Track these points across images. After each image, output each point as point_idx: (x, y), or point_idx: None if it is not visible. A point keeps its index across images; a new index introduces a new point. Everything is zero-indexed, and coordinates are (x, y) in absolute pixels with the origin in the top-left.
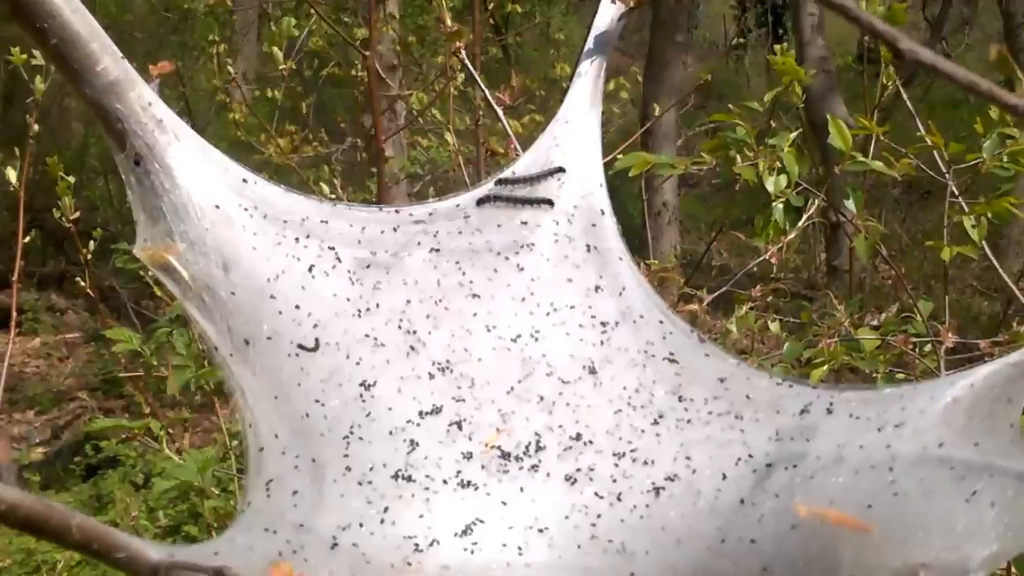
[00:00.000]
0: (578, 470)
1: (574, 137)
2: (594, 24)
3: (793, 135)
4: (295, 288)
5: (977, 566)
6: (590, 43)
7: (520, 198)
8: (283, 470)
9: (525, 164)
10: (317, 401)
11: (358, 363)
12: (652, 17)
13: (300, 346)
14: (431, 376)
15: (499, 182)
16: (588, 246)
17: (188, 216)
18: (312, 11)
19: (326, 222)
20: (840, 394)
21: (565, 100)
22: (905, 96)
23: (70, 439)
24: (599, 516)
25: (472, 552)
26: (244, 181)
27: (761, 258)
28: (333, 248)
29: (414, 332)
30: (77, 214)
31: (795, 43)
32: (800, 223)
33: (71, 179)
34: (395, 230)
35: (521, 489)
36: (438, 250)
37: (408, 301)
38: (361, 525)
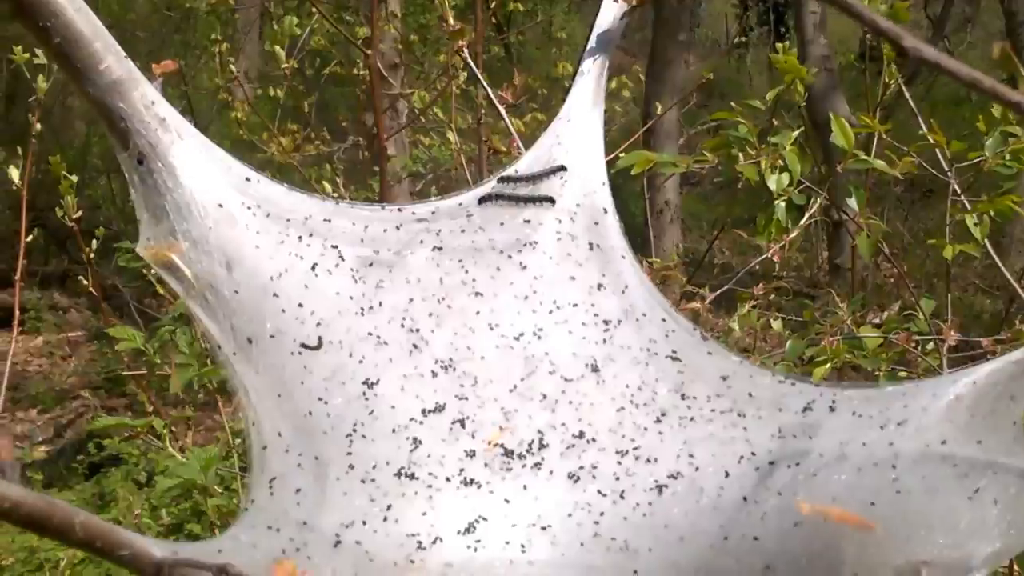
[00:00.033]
0: (581, 468)
1: (576, 135)
2: (596, 23)
3: (795, 133)
4: (298, 286)
5: (980, 563)
6: (592, 41)
7: (522, 196)
8: (286, 468)
9: (528, 162)
10: (320, 399)
11: (361, 361)
12: (654, 16)
13: (303, 345)
14: (434, 374)
15: (501, 180)
16: (591, 244)
17: (191, 215)
18: (314, 10)
19: (329, 220)
20: (843, 392)
21: (567, 98)
22: (907, 94)
23: (73, 437)
24: (602, 514)
25: (475, 550)
26: (247, 180)
27: (763, 256)
28: (336, 246)
29: (417, 330)
30: (80, 213)
31: (797, 41)
32: (802, 221)
33: (74, 178)
34: (398, 228)
35: (524, 487)
36: (441, 248)
37: (411, 299)
38: (364, 523)
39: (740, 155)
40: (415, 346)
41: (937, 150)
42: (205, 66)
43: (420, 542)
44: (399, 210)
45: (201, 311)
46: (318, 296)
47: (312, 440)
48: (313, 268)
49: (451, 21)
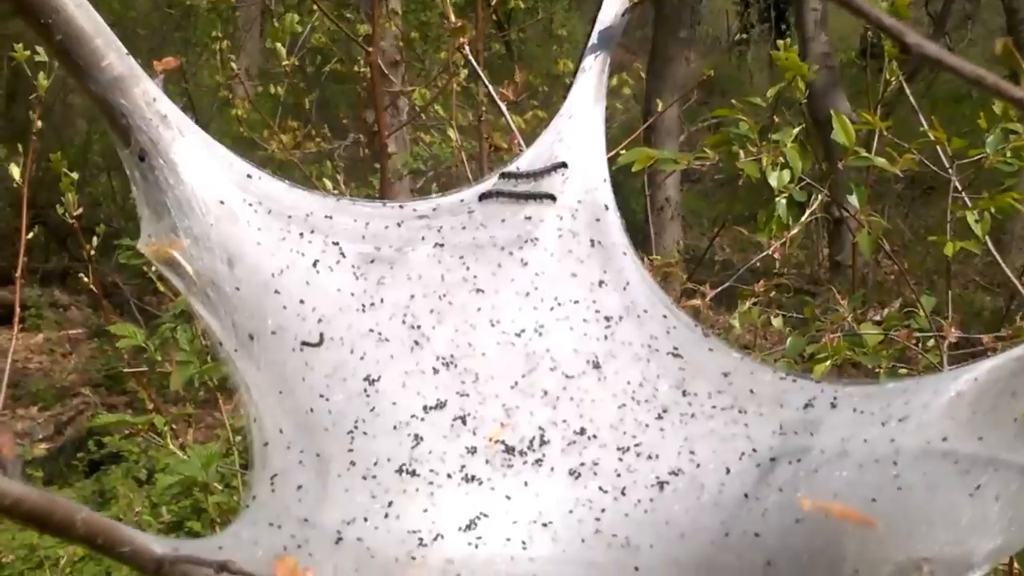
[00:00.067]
0: (582, 464)
1: (578, 132)
2: (598, 19)
3: (796, 131)
4: (299, 283)
5: (981, 560)
6: (594, 38)
7: (523, 193)
8: (288, 465)
9: (529, 159)
10: (322, 396)
11: (362, 358)
12: (655, 13)
13: (304, 343)
14: (435, 371)
15: (503, 176)
16: (592, 241)
17: (192, 211)
18: (315, 7)
19: (330, 217)
20: (844, 388)
21: (569, 95)
22: (908, 91)
23: (73, 435)
24: (603, 510)
25: (476, 546)
26: (248, 176)
27: (764, 253)
28: (337, 243)
29: (418, 327)
30: (80, 210)
31: (798, 39)
32: (803, 218)
33: (74, 175)
34: (399, 225)
35: (525, 483)
36: (442, 245)
37: (412, 296)
38: (365, 519)
39: (741, 152)
40: (416, 343)
41: (938, 147)
42: (206, 63)
43: (421, 539)
44: (400, 207)
45: (202, 308)
46: (319, 293)
47: (313, 436)
48: (314, 265)
49: (452, 18)
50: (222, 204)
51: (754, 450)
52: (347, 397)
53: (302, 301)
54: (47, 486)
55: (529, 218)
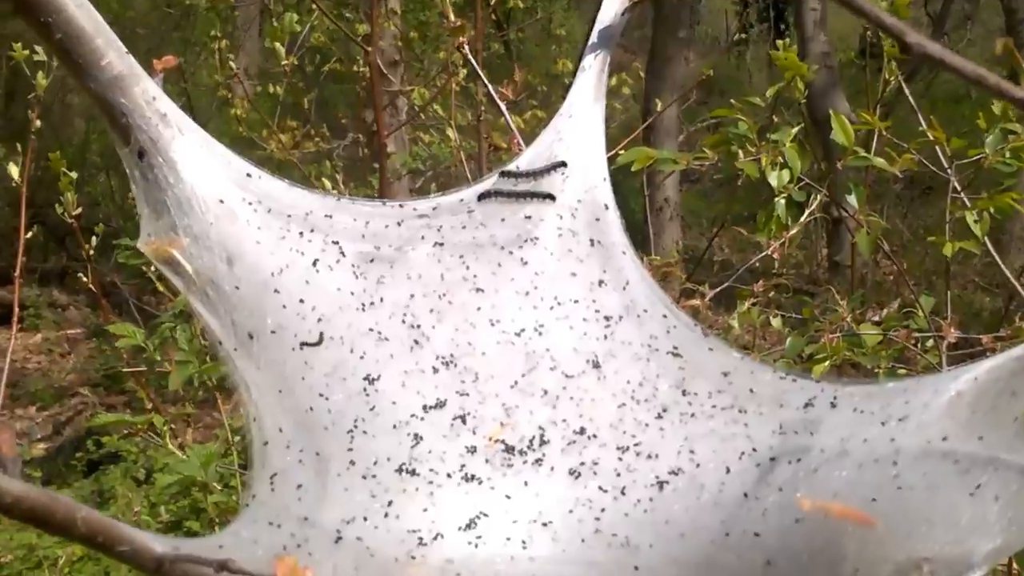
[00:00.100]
0: (582, 464)
1: (578, 131)
2: (598, 19)
3: (795, 130)
4: (299, 282)
5: (981, 560)
6: (594, 37)
7: (521, 193)
8: (287, 464)
9: (529, 158)
10: (321, 395)
11: (362, 357)
12: (654, 13)
13: (304, 343)
14: (435, 370)
15: (503, 175)
16: (592, 240)
17: (192, 210)
18: (314, 7)
19: (330, 216)
20: (844, 388)
21: (569, 94)
22: (907, 92)
23: (71, 435)
24: (603, 510)
25: (476, 546)
26: (248, 175)
27: (763, 254)
28: (337, 242)
29: (418, 326)
30: (79, 210)
31: (797, 39)
32: (802, 219)
33: (73, 175)
34: (399, 224)
35: (525, 483)
36: (442, 244)
37: (412, 295)
38: (365, 519)
39: (740, 152)
40: (416, 342)
41: (937, 147)
42: (205, 63)
43: (421, 538)
44: (400, 206)
45: (202, 307)
46: (319, 292)
47: (313, 436)
48: (314, 264)
49: (452, 17)
50: (221, 203)
51: (754, 449)
52: (347, 396)
53: (302, 300)
54: (46, 486)
55: (529, 217)
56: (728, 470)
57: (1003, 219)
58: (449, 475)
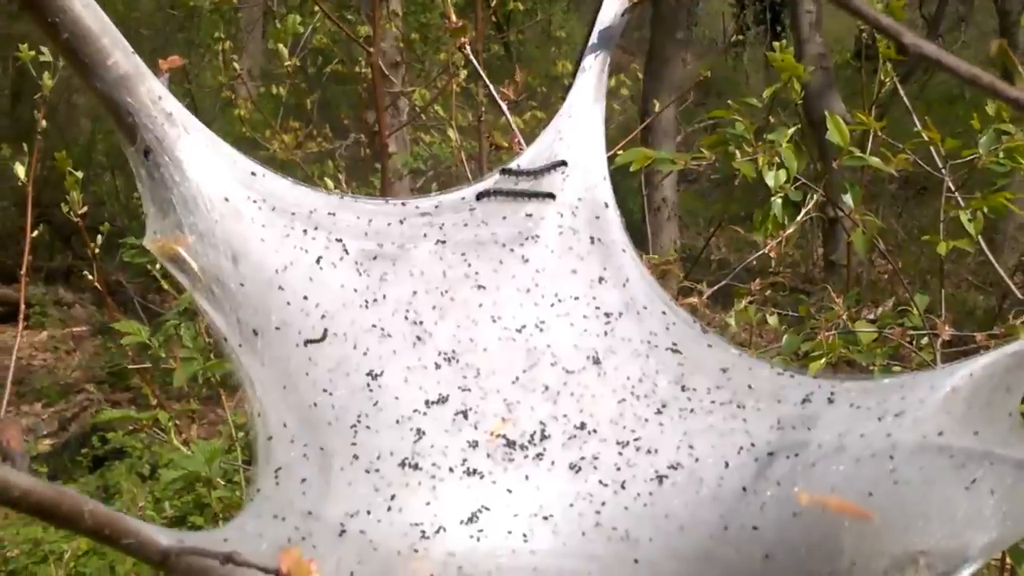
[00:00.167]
0: (582, 459)
1: (578, 131)
2: (598, 19)
3: (791, 131)
4: (303, 279)
5: (976, 553)
6: (594, 38)
7: (520, 192)
8: (292, 458)
9: (530, 157)
10: (325, 391)
11: (365, 353)
12: (652, 15)
13: (308, 340)
14: (437, 366)
15: (503, 172)
16: (592, 238)
17: (198, 208)
18: (316, 8)
19: (333, 214)
20: (841, 384)
21: (569, 94)
22: (902, 92)
23: (77, 431)
24: (603, 504)
25: (478, 539)
26: (252, 174)
27: (760, 252)
28: (340, 240)
29: (420, 323)
30: (85, 209)
31: (793, 40)
32: (798, 218)
33: (79, 174)
34: (401, 222)
35: (526, 477)
36: (444, 242)
37: (414, 292)
38: (368, 512)
39: (737, 152)
40: (419, 338)
41: (931, 147)
42: (208, 64)
43: (424, 531)
44: (403, 204)
45: (207, 304)
46: (323, 289)
47: (317, 431)
48: (318, 261)
49: (453, 18)
50: (227, 201)
51: (752, 444)
52: (350, 392)
53: (306, 297)
54: (52, 481)
55: (530, 215)
56: (727, 465)
57: (996, 218)
58: (451, 469)
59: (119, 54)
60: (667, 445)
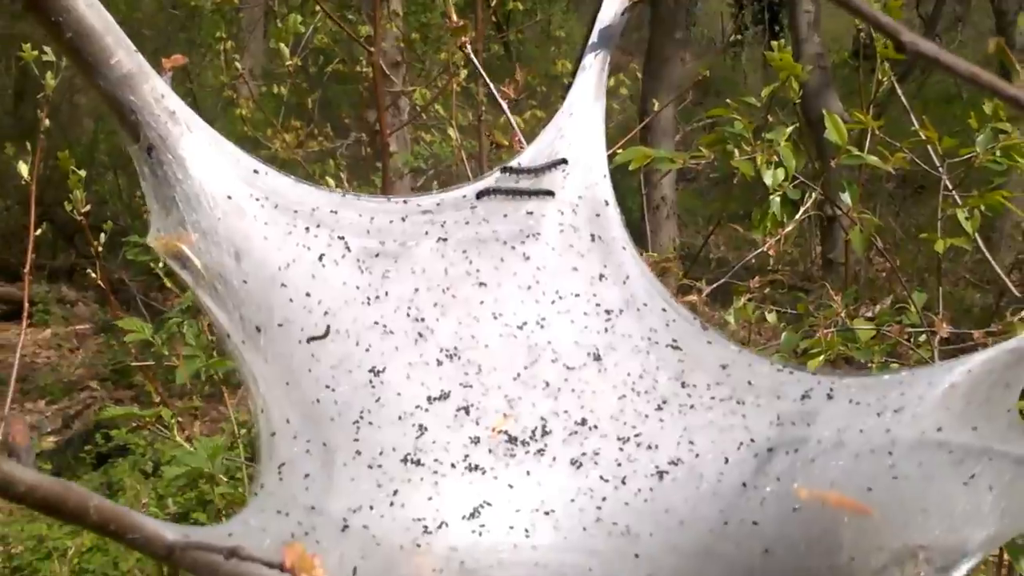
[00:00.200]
0: (583, 454)
1: (578, 129)
2: (598, 18)
3: (790, 130)
4: (305, 276)
5: (975, 548)
6: (594, 37)
7: (520, 190)
8: (295, 454)
9: (531, 155)
10: (327, 387)
11: (367, 350)
12: (651, 15)
13: (311, 337)
14: (439, 362)
15: (504, 171)
16: (592, 235)
17: (200, 206)
18: (318, 8)
19: (336, 212)
20: (840, 380)
21: (569, 93)
22: (900, 92)
23: (80, 428)
24: (604, 499)
25: (480, 534)
26: (255, 172)
27: (758, 251)
28: (343, 237)
29: (422, 319)
30: (88, 208)
31: (791, 40)
32: (797, 216)
33: (82, 173)
34: (403, 220)
35: (527, 473)
36: (445, 239)
37: (416, 289)
38: (371, 508)
39: (736, 151)
40: (420, 335)
41: (929, 146)
42: (210, 64)
43: (426, 527)
44: (404, 202)
45: (210, 301)
46: (325, 286)
47: (320, 427)
48: (320, 258)
49: (454, 17)
50: (229, 199)
51: (752, 440)
52: (353, 388)
53: (308, 294)
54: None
55: (531, 213)
56: (727, 460)
57: (993, 217)
58: (453, 465)
59: (122, 53)
60: (667, 441)
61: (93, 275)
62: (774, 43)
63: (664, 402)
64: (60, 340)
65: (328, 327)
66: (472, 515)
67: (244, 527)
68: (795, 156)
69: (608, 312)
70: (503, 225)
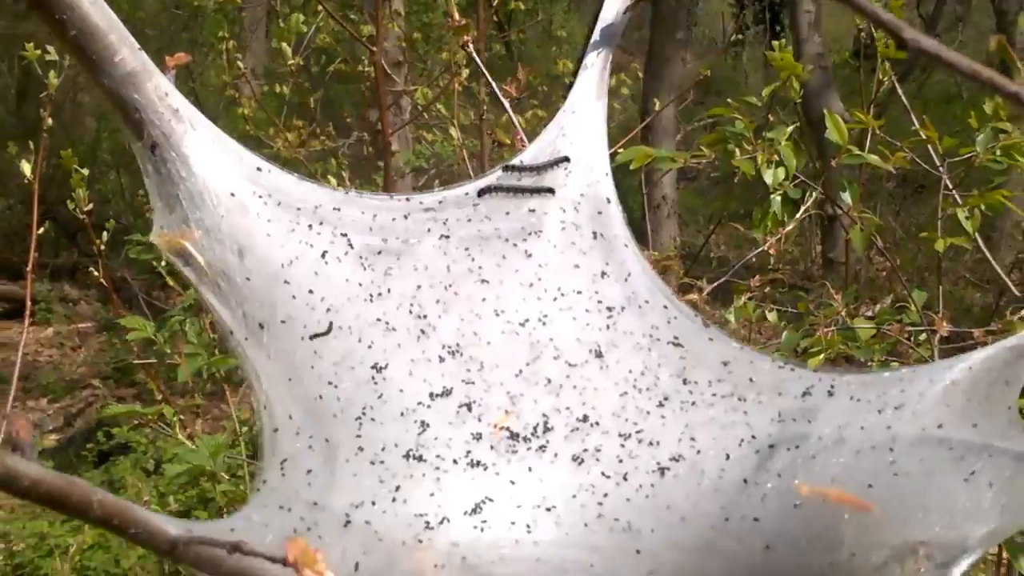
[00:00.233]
0: (585, 451)
1: (580, 127)
2: (600, 17)
3: (790, 129)
4: (308, 274)
5: (975, 544)
6: (596, 36)
7: (520, 187)
8: (297, 450)
9: (533, 153)
10: (330, 383)
11: (370, 346)
12: (652, 15)
13: (313, 334)
14: (441, 359)
15: (506, 168)
16: (594, 233)
17: (204, 203)
18: (320, 8)
19: (338, 209)
20: (841, 377)
21: (572, 91)
22: (900, 91)
23: (82, 426)
24: (605, 495)
25: (481, 530)
26: (258, 170)
27: (759, 250)
28: (345, 235)
29: (424, 316)
30: (90, 206)
31: (792, 40)
32: (797, 215)
33: (84, 172)
34: (406, 217)
35: (529, 469)
36: (448, 237)
37: (419, 286)
38: (373, 503)
39: (736, 150)
40: (423, 332)
41: (929, 146)
42: (212, 63)
43: (428, 522)
44: (407, 200)
45: (213, 298)
46: (328, 283)
47: (322, 423)
48: (323, 256)
49: (457, 16)
50: (233, 196)
51: (753, 437)
52: (355, 384)
53: (311, 291)
54: None
55: (533, 211)
56: (728, 457)
57: (993, 216)
58: (455, 461)
59: (126, 51)
60: (669, 437)
61: (95, 273)
62: (775, 43)
63: (665, 399)
64: (62, 338)
65: (331, 324)
66: (474, 511)
67: (247, 522)
68: (796, 155)
69: (610, 309)
70: (505, 223)
